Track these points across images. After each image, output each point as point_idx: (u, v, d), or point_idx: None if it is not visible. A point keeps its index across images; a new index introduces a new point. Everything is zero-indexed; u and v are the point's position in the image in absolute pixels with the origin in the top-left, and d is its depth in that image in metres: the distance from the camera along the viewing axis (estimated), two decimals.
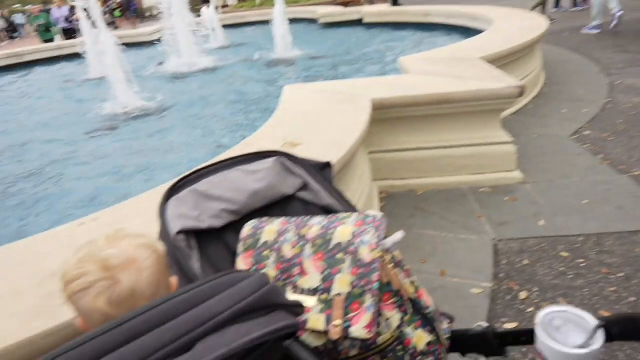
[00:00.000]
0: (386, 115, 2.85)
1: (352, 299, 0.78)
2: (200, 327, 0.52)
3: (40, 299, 1.25)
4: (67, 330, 1.17)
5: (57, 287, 1.28)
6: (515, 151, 3.01)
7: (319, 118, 2.52)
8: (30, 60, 8.40)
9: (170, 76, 6.29)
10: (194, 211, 1.08)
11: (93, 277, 0.70)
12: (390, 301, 0.82)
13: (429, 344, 0.86)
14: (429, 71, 3.25)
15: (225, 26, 9.31)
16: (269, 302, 0.59)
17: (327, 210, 1.19)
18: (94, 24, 5.76)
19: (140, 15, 22.73)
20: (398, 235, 0.82)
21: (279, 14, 6.70)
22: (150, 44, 9.29)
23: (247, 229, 1.00)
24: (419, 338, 0.84)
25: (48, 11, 11.95)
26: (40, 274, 1.36)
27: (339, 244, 0.83)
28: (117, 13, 19.84)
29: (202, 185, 1.13)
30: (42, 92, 6.35)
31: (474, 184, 3.04)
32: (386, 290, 0.82)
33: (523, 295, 2.16)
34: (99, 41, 5.58)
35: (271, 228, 0.96)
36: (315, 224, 0.90)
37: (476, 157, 2.98)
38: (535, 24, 4.88)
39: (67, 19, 11.15)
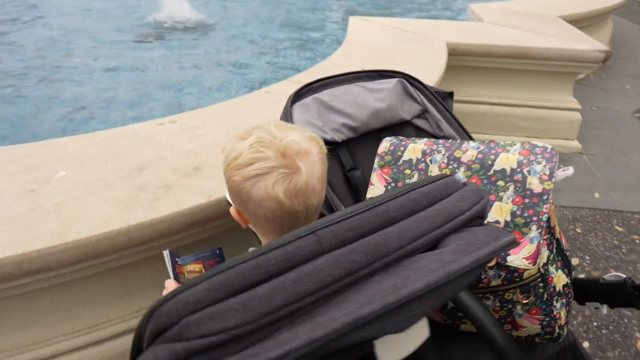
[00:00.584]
0: (456, 62, 2.70)
1: (513, 228, 0.75)
2: (449, 222, 0.48)
3: (132, 190, 1.23)
4: (163, 225, 1.16)
5: (146, 181, 1.27)
6: (581, 120, 2.89)
7: (393, 54, 2.40)
8: None
9: None
10: (318, 120, 1.03)
11: (272, 162, 0.65)
12: (545, 237, 0.78)
13: (565, 285, 0.84)
14: (505, 22, 3.06)
15: None
16: (485, 212, 0.55)
17: None
18: None
19: None
20: (570, 171, 0.77)
21: None
22: None
23: (386, 144, 0.95)
24: (559, 278, 0.82)
25: None
26: (126, 167, 1.34)
27: (501, 171, 0.79)
28: None
29: (325, 95, 1.08)
30: None
31: None
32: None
33: (575, 261, 2.14)
34: None
35: (416, 146, 0.91)
36: (471, 148, 0.85)
37: (539, 120, 2.87)
38: None
39: None
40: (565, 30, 2.93)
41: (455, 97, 3.04)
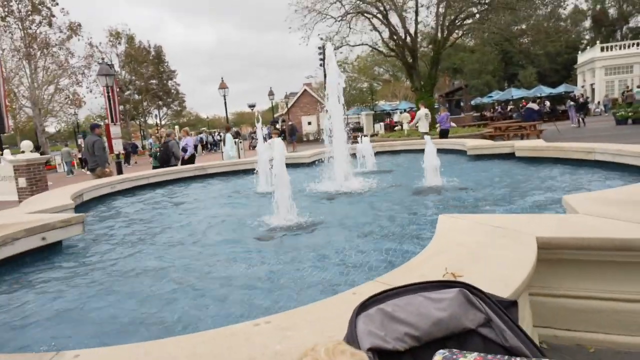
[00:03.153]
0: (551, 256, 2.66)
1: None
2: None
3: None
4: None
5: None
6: None
7: (480, 251, 2.48)
8: (211, 173, 10.08)
9: (323, 195, 6.88)
10: (381, 330, 1.14)
11: None
12: None
13: None
14: (601, 213, 3.01)
15: (375, 153, 10.07)
16: None
17: (510, 353, 1.14)
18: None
19: (299, 140, 26.02)
20: None
21: (429, 143, 7.06)
22: (307, 165, 10.44)
23: (439, 357, 1.01)
24: None
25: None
26: None
27: None
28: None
29: (389, 306, 1.20)
30: (217, 200, 7.46)
31: None
32: None
33: None
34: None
35: None
36: None
37: None
38: None
39: (184, 149, 12.63)
40: None
41: (559, 292, 2.90)
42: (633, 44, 37.73)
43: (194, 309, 3.05)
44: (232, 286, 3.41)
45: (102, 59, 33.58)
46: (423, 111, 16.62)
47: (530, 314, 2.65)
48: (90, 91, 36.52)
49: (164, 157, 12.08)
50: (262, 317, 1.87)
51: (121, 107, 34.27)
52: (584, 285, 2.70)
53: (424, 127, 16.29)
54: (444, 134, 15.72)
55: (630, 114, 19.95)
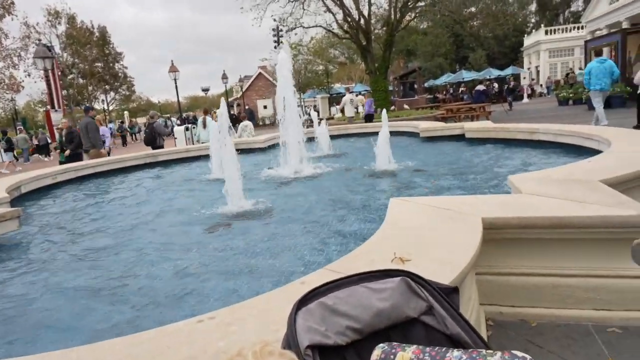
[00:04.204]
0: (496, 236, 2.73)
1: None
2: None
3: None
4: None
5: None
6: None
7: (428, 234, 2.50)
8: (163, 160, 9.72)
9: (277, 181, 6.80)
10: (321, 325, 1.10)
11: None
12: None
13: None
14: (543, 192, 3.12)
15: (331, 137, 10.04)
16: None
17: (452, 340, 1.14)
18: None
19: (255, 124, 25.60)
20: None
21: (382, 126, 7.10)
22: (262, 150, 10.29)
23: (378, 352, 0.99)
24: None
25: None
26: None
27: None
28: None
29: (330, 299, 1.16)
30: (168, 188, 7.20)
31: (600, 321, 2.68)
32: None
33: None
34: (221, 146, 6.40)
35: (404, 355, 0.94)
36: (454, 358, 0.86)
37: (601, 290, 2.67)
38: None
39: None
40: (608, 196, 2.92)
41: (503, 270, 2.98)
42: (574, 27, 39.51)
43: (139, 305, 2.92)
44: (183, 279, 3.30)
45: (39, 39, 31.30)
46: (348, 97, 18.15)
47: (476, 292, 2.73)
48: (29, 75, 34.20)
49: (150, 138, 11.84)
50: (206, 313, 1.80)
51: (64, 92, 32.25)
52: (526, 262, 2.80)
53: (349, 111, 17.58)
54: (369, 118, 16.72)
55: (571, 94, 21.01)
